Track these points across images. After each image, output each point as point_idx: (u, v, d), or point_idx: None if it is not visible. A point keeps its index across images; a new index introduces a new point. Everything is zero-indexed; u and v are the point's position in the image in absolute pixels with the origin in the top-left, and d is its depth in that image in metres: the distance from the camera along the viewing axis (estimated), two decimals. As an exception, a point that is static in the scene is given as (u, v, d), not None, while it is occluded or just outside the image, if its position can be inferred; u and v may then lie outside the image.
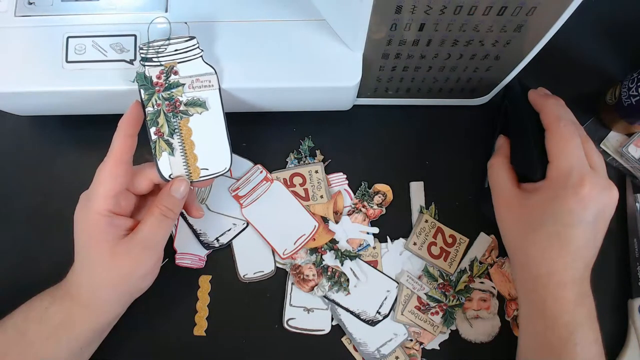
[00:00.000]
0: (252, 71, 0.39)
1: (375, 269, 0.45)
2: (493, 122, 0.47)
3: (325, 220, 0.46)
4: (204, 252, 0.45)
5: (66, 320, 0.36)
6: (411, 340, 0.44)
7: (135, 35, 0.39)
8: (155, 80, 0.37)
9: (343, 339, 0.44)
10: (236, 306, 0.44)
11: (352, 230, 0.46)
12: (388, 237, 0.46)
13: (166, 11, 0.39)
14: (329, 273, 0.44)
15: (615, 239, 0.46)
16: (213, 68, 0.38)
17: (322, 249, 0.45)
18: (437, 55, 0.38)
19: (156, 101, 0.37)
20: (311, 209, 0.46)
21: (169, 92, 0.37)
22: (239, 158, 0.47)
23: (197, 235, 0.45)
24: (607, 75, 0.49)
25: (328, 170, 0.47)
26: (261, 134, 0.48)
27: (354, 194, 0.47)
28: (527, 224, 0.37)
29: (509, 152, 0.41)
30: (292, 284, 0.44)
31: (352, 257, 0.45)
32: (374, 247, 0.45)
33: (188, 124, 0.37)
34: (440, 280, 0.45)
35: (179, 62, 0.37)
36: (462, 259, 0.45)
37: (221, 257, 0.45)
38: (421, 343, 0.44)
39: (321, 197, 0.46)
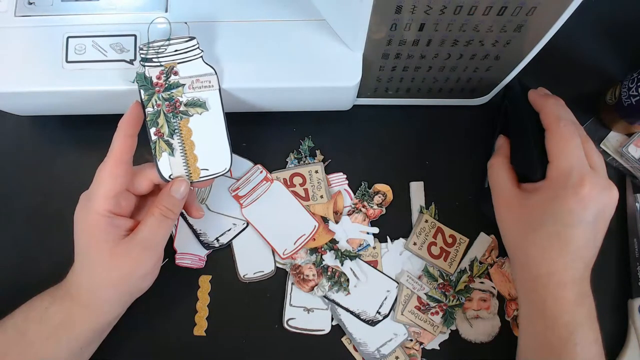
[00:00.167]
0: (252, 71, 0.39)
1: (375, 269, 0.45)
2: (493, 122, 0.47)
3: (325, 220, 0.46)
4: (204, 252, 0.45)
5: (66, 320, 0.36)
6: (411, 340, 0.44)
7: (135, 35, 0.39)
8: (155, 80, 0.37)
9: (343, 339, 0.44)
10: (236, 306, 0.44)
11: (352, 230, 0.46)
12: (388, 237, 0.46)
13: (166, 11, 0.39)
14: (329, 273, 0.44)
15: (615, 239, 0.46)
16: (213, 68, 0.38)
17: (322, 249, 0.45)
18: (437, 55, 0.38)
19: (156, 101, 0.37)
20: (311, 209, 0.46)
21: (169, 92, 0.37)
22: (239, 158, 0.47)
23: (197, 235, 0.45)
24: (607, 75, 0.49)
25: (328, 170, 0.47)
26: (261, 134, 0.48)
27: (354, 194, 0.47)
28: (527, 224, 0.37)
29: (509, 152, 0.41)
30: (292, 284, 0.44)
31: (352, 257, 0.45)
32: (374, 247, 0.45)
33: (188, 125, 0.37)
34: (440, 280, 0.45)
35: (179, 63, 0.37)
36: (462, 259, 0.45)
37: (221, 257, 0.45)
38: (421, 343, 0.44)
39: (321, 197, 0.46)
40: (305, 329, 0.44)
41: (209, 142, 0.38)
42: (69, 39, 0.38)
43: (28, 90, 0.38)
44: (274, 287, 0.45)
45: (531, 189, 0.38)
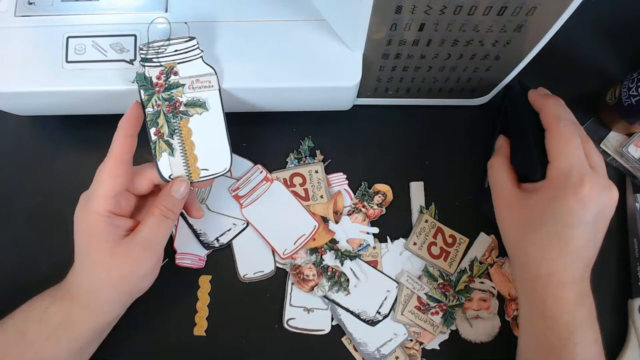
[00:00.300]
0: (252, 71, 0.39)
1: (375, 269, 0.45)
2: (493, 122, 0.47)
3: (325, 220, 0.46)
4: (204, 252, 0.45)
5: (66, 320, 0.36)
6: (411, 340, 0.44)
7: (135, 35, 0.39)
8: (155, 80, 0.37)
9: (343, 339, 0.44)
10: (236, 306, 0.44)
11: (352, 230, 0.46)
12: (388, 237, 0.46)
13: (166, 11, 0.39)
14: (329, 273, 0.44)
15: (615, 239, 0.46)
16: (213, 68, 0.38)
17: (322, 249, 0.45)
18: (437, 55, 0.38)
19: (156, 102, 0.37)
20: (311, 209, 0.46)
21: (168, 92, 0.37)
22: (239, 158, 0.47)
23: (197, 235, 0.45)
24: (607, 75, 0.49)
25: (328, 170, 0.47)
26: (261, 134, 0.48)
27: (354, 194, 0.47)
28: (527, 224, 0.37)
29: (509, 152, 0.41)
30: (292, 284, 0.44)
31: (352, 257, 0.45)
32: (374, 247, 0.45)
33: (188, 125, 0.37)
34: (440, 280, 0.45)
35: (179, 63, 0.37)
36: (462, 259, 0.45)
37: (221, 257, 0.45)
38: (421, 343, 0.44)
39: (321, 197, 0.46)
40: (305, 329, 0.44)
41: (209, 142, 0.38)
42: (69, 39, 0.38)
43: (28, 90, 0.38)
44: (274, 287, 0.45)
45: (531, 189, 0.38)
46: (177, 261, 0.45)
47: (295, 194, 0.46)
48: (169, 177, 0.37)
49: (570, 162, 0.36)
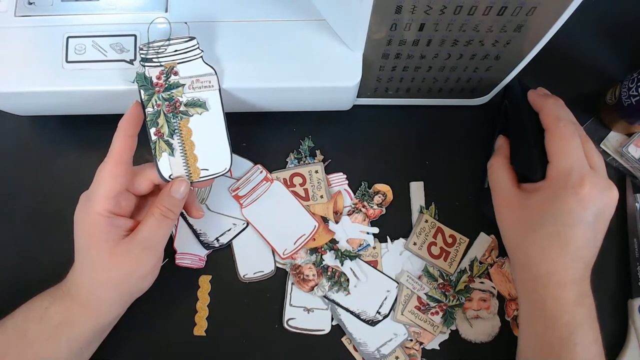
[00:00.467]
0: (252, 71, 0.39)
1: (375, 269, 0.45)
2: (493, 122, 0.47)
3: (325, 220, 0.46)
4: (204, 252, 0.45)
5: (66, 320, 0.36)
6: (411, 340, 0.44)
7: (135, 35, 0.39)
8: (155, 80, 0.37)
9: (343, 339, 0.44)
10: (236, 306, 0.44)
11: (352, 230, 0.46)
12: (388, 237, 0.46)
13: (166, 11, 0.39)
14: (329, 273, 0.44)
15: (615, 239, 0.46)
16: (213, 68, 0.38)
17: (322, 249, 0.45)
18: (437, 55, 0.38)
19: (156, 102, 0.37)
20: (311, 209, 0.46)
21: (169, 92, 0.37)
22: (239, 158, 0.47)
23: (197, 235, 0.45)
24: (607, 75, 0.49)
25: (328, 170, 0.47)
26: (261, 134, 0.48)
27: (354, 194, 0.47)
28: (527, 224, 0.37)
29: (509, 152, 0.41)
30: (292, 284, 0.44)
31: (352, 257, 0.45)
32: (374, 247, 0.45)
33: (188, 125, 0.37)
34: (440, 280, 0.45)
35: (179, 63, 0.37)
36: (462, 259, 0.45)
37: (221, 257, 0.45)
38: (421, 343, 0.44)
39: (321, 197, 0.46)
40: (305, 329, 0.44)
41: (209, 142, 0.38)
42: (69, 39, 0.38)
43: (28, 90, 0.38)
44: (274, 287, 0.45)
45: (531, 189, 0.38)
46: (177, 261, 0.45)
47: (295, 194, 0.46)
48: (169, 177, 0.37)
49: (570, 162, 0.36)
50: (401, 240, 0.46)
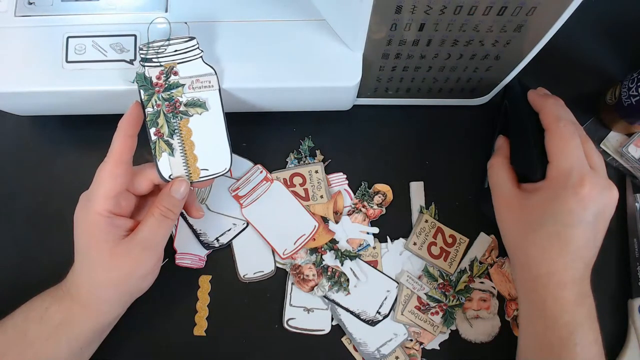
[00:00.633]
0: (252, 71, 0.39)
1: (375, 269, 0.45)
2: (493, 122, 0.47)
3: (325, 220, 0.46)
4: (204, 252, 0.45)
5: (66, 320, 0.36)
6: (411, 340, 0.44)
7: (135, 35, 0.39)
8: (155, 80, 0.37)
9: (343, 339, 0.44)
10: (236, 306, 0.44)
11: (352, 230, 0.46)
12: (388, 237, 0.46)
13: (166, 11, 0.39)
14: (329, 273, 0.44)
15: (615, 239, 0.46)
16: (213, 68, 0.38)
17: (322, 249, 0.45)
18: (437, 55, 0.38)
19: (156, 102, 0.37)
20: (311, 209, 0.46)
21: (168, 92, 0.37)
22: (239, 158, 0.47)
23: (197, 235, 0.45)
24: (607, 75, 0.49)
25: (328, 170, 0.47)
26: (261, 134, 0.48)
27: (354, 194, 0.47)
28: (527, 224, 0.37)
29: (509, 152, 0.41)
30: (292, 284, 0.44)
31: (352, 257, 0.45)
32: (374, 247, 0.45)
33: (188, 125, 0.37)
34: (440, 280, 0.45)
35: (178, 63, 0.37)
36: (462, 259, 0.45)
37: (221, 257, 0.45)
38: (421, 343, 0.44)
39: (321, 197, 0.46)
40: (305, 329, 0.44)
41: (209, 142, 0.38)
42: (69, 39, 0.38)
43: (28, 90, 0.38)
44: (274, 287, 0.45)
45: (531, 189, 0.38)
46: (177, 261, 0.45)
47: (295, 194, 0.46)
48: (169, 177, 0.37)
49: (570, 162, 0.36)
50: (401, 240, 0.46)
